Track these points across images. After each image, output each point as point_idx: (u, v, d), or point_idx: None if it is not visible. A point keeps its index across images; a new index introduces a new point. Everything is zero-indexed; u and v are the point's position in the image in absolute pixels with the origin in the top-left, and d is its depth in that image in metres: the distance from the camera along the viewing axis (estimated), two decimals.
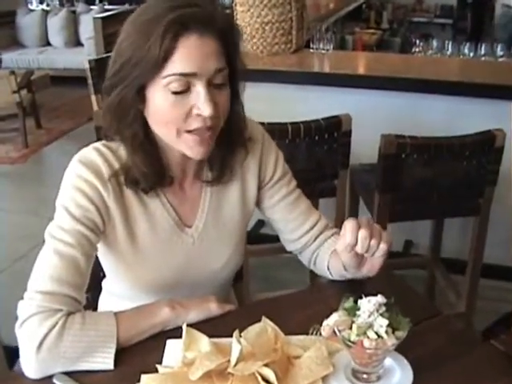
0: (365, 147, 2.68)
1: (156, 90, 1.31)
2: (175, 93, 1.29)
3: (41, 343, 1.25)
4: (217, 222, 1.56)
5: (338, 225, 2.74)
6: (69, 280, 1.33)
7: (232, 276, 1.69)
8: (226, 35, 1.34)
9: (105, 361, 1.29)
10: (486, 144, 2.52)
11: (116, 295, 1.61)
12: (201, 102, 1.29)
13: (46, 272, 1.34)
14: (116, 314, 1.35)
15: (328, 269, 1.61)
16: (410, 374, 1.25)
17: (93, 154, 1.42)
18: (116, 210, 1.43)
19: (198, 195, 1.55)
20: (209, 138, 1.36)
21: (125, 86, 1.31)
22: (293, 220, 1.65)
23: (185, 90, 1.30)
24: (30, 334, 1.27)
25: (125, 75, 1.31)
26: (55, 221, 1.39)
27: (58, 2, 9.66)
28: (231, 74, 1.37)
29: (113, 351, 1.30)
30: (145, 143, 1.39)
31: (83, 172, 1.39)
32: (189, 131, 1.33)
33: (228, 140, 1.47)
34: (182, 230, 1.53)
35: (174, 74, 1.28)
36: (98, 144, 1.45)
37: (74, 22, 8.52)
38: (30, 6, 9.33)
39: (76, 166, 1.40)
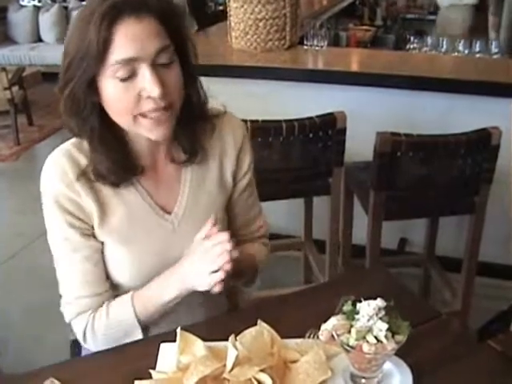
0: (360, 145, 2.67)
1: (105, 81, 1.32)
2: (123, 80, 1.31)
3: (84, 338, 1.52)
4: (196, 206, 1.56)
5: (333, 223, 2.78)
6: (89, 281, 1.49)
7: None
8: (165, 13, 1.34)
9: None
10: (482, 142, 2.50)
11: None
12: (147, 83, 1.30)
13: (69, 281, 1.51)
14: (133, 301, 1.48)
15: None
16: (409, 378, 1.24)
17: (59, 158, 1.45)
18: (91, 207, 1.45)
19: (177, 179, 1.56)
20: (167, 118, 1.37)
21: (75, 82, 1.33)
22: (246, 217, 1.71)
23: (131, 75, 1.31)
24: (76, 332, 1.53)
25: (73, 72, 1.32)
26: (50, 239, 1.50)
27: None
28: (180, 51, 1.38)
29: (140, 335, 1.48)
30: (106, 137, 1.41)
31: (51, 183, 1.44)
32: (143, 115, 1.35)
33: (189, 116, 1.47)
34: (162, 216, 1.53)
35: (116, 62, 1.29)
36: (66, 144, 1.48)
37: (65, 18, 8.47)
38: (21, 2, 9.25)
39: (44, 177, 1.45)
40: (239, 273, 1.49)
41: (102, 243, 1.51)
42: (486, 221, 2.69)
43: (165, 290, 1.46)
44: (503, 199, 3.11)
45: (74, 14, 8.28)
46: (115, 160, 1.42)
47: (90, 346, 1.52)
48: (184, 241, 1.50)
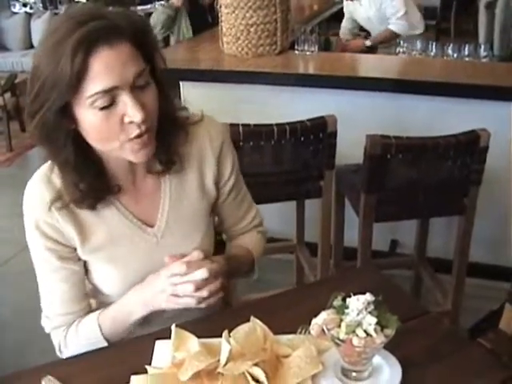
0: (350, 148, 2.69)
1: (83, 110, 1.30)
2: (102, 108, 1.28)
3: (60, 351, 1.59)
4: (179, 216, 1.57)
5: (325, 226, 2.80)
6: (64, 300, 1.53)
7: None
8: (138, 37, 1.32)
9: None
10: (471, 144, 2.53)
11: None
12: (129, 109, 1.29)
13: (47, 298, 1.55)
14: (99, 320, 1.52)
15: None
16: (398, 372, 1.27)
17: (36, 183, 1.46)
18: (71, 232, 1.46)
19: (157, 190, 1.55)
20: (150, 141, 1.37)
21: (46, 109, 1.29)
22: (236, 216, 1.74)
23: (111, 103, 1.29)
24: (54, 345, 1.59)
25: (44, 99, 1.28)
26: (32, 257, 1.52)
27: (41, 5, 9.59)
28: (152, 70, 1.37)
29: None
30: (81, 163, 1.38)
31: (31, 208, 1.45)
32: (130, 139, 1.33)
33: (164, 129, 1.46)
34: (144, 230, 1.54)
35: (96, 93, 1.26)
36: (43, 168, 1.47)
37: None
38: (12, 9, 9.26)
39: (25, 201, 1.47)
40: (236, 274, 1.53)
41: (85, 262, 1.53)
42: (475, 222, 2.71)
43: (130, 312, 1.49)
44: (492, 200, 3.15)
45: None
46: (89, 183, 1.41)
47: (63, 354, 1.58)
48: (169, 252, 1.51)
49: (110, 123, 1.30)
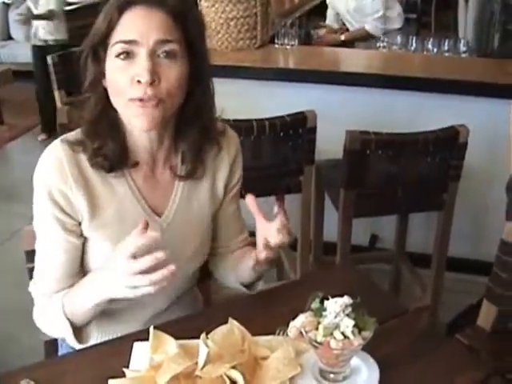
0: (330, 143, 2.69)
1: (108, 59, 1.38)
2: (120, 58, 1.35)
3: (35, 315, 1.56)
4: (186, 214, 1.57)
5: (304, 221, 2.80)
6: (58, 270, 1.50)
7: (197, 270, 1.69)
8: (179, 13, 1.38)
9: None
10: (450, 140, 2.54)
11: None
12: (140, 68, 1.33)
13: (41, 266, 1.53)
14: (63, 300, 1.46)
15: (235, 272, 1.67)
16: (376, 373, 1.27)
17: (57, 148, 1.45)
18: (81, 203, 1.45)
19: (171, 186, 1.56)
20: (152, 110, 1.37)
21: (86, 54, 1.41)
22: (233, 229, 1.72)
23: (129, 57, 1.35)
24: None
25: (88, 44, 1.40)
26: (35, 224, 1.50)
27: None
28: (191, 54, 1.41)
29: (71, 335, 1.45)
30: (104, 127, 1.44)
31: (47, 174, 1.44)
32: (132, 100, 1.36)
33: (200, 132, 1.49)
34: (152, 218, 1.53)
35: (116, 42, 1.35)
36: (62, 136, 1.49)
37: None
38: None
39: (40, 166, 1.45)
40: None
41: (85, 239, 1.52)
42: (454, 216, 2.73)
43: (85, 298, 1.43)
44: (471, 195, 3.17)
45: None
46: (111, 149, 1.44)
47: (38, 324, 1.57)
48: (170, 244, 1.50)
49: (124, 76, 1.35)
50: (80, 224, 1.49)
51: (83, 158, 1.45)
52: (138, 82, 1.33)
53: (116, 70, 1.36)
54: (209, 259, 1.72)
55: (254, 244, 1.54)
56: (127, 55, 1.34)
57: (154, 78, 1.33)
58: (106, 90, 1.41)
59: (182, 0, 1.41)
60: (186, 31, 1.39)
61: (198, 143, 1.51)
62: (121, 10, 1.35)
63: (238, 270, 1.65)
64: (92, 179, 1.46)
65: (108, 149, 1.44)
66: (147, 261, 1.24)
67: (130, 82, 1.35)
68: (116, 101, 1.40)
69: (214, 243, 1.70)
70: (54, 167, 1.43)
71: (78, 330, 1.48)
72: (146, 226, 1.30)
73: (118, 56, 1.35)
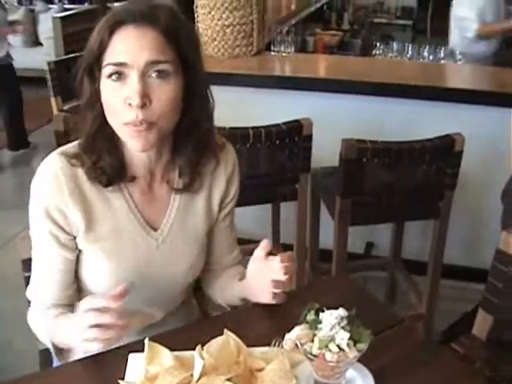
0: (326, 151, 2.69)
1: (102, 79, 1.37)
2: (112, 79, 1.34)
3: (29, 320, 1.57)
4: (182, 228, 1.57)
5: (300, 229, 2.80)
6: (52, 284, 1.52)
7: (193, 282, 1.70)
8: (170, 30, 1.35)
9: None
10: (446, 148, 2.55)
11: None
12: (131, 91, 1.32)
13: (36, 279, 1.55)
14: (54, 321, 1.47)
15: (221, 294, 1.71)
16: None
17: (54, 161, 1.45)
18: (77, 217, 1.45)
19: (167, 199, 1.56)
20: (146, 133, 1.36)
21: (82, 73, 1.40)
22: (226, 244, 1.73)
23: (121, 78, 1.34)
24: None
25: (82, 60, 1.40)
26: (31, 236, 1.52)
27: (16, 1, 9.48)
28: (185, 68, 1.39)
29: (53, 352, 1.51)
30: (102, 142, 1.43)
31: (43, 189, 1.44)
32: (126, 124, 1.35)
33: (198, 144, 1.48)
34: (148, 232, 1.53)
35: (107, 64, 1.34)
36: (58, 150, 1.49)
37: (32, 20, 8.39)
38: None
39: (37, 181, 1.45)
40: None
41: (80, 252, 1.51)
42: (450, 224, 2.73)
43: (66, 335, 1.41)
44: (467, 203, 3.17)
45: (41, 16, 8.24)
46: (108, 163, 1.44)
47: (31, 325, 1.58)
48: (165, 259, 1.53)
49: (116, 97, 1.34)
50: (75, 238, 1.49)
51: (80, 172, 1.45)
52: (130, 104, 1.32)
53: (109, 91, 1.36)
54: (200, 276, 1.72)
55: (249, 254, 1.55)
56: (119, 76, 1.34)
57: (145, 101, 1.32)
58: (102, 106, 1.40)
59: (175, 17, 1.39)
60: (180, 48, 1.37)
61: (196, 156, 1.51)
62: (111, 31, 1.34)
63: (225, 295, 1.68)
64: (89, 193, 1.46)
65: (105, 163, 1.44)
66: (91, 318, 1.26)
67: (122, 104, 1.34)
68: (111, 121, 1.39)
69: (206, 259, 1.69)
70: (51, 181, 1.43)
71: (60, 351, 1.50)
72: (122, 295, 1.28)
73: (109, 77, 1.34)
